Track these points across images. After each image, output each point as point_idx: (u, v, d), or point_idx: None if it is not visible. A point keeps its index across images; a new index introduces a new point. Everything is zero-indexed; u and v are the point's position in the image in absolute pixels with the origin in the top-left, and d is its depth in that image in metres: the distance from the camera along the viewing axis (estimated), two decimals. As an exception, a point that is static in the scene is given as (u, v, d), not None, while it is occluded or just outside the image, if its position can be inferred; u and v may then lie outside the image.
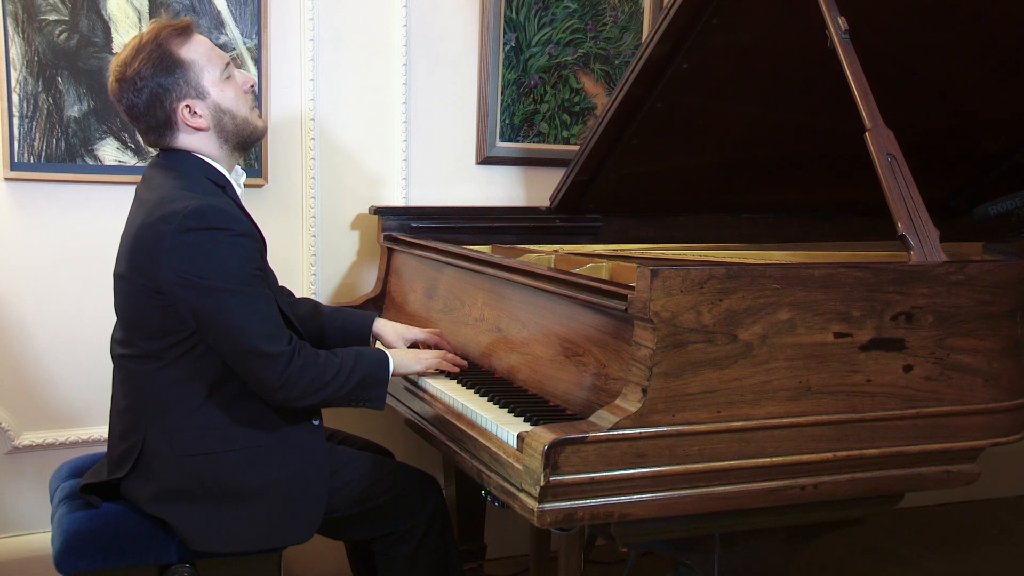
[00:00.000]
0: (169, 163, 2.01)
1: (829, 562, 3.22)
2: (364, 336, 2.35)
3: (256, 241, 1.94)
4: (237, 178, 2.09)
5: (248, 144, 2.08)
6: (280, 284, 2.25)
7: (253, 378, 1.90)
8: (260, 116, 2.11)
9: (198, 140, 2.01)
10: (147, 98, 1.95)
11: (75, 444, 2.69)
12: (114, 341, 2.05)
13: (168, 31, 1.96)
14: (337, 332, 2.34)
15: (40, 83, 2.55)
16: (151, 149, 2.11)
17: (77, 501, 2.04)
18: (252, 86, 2.09)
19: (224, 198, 1.98)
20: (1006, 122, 2.91)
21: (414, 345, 2.32)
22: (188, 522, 1.93)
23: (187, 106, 1.97)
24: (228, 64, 2.03)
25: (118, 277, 1.98)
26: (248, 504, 1.95)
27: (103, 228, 2.60)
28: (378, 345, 2.34)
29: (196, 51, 1.98)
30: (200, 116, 1.98)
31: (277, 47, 2.79)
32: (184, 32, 1.98)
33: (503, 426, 1.76)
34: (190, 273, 1.83)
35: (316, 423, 2.05)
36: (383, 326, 2.37)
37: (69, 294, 2.65)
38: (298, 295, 2.72)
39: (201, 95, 1.97)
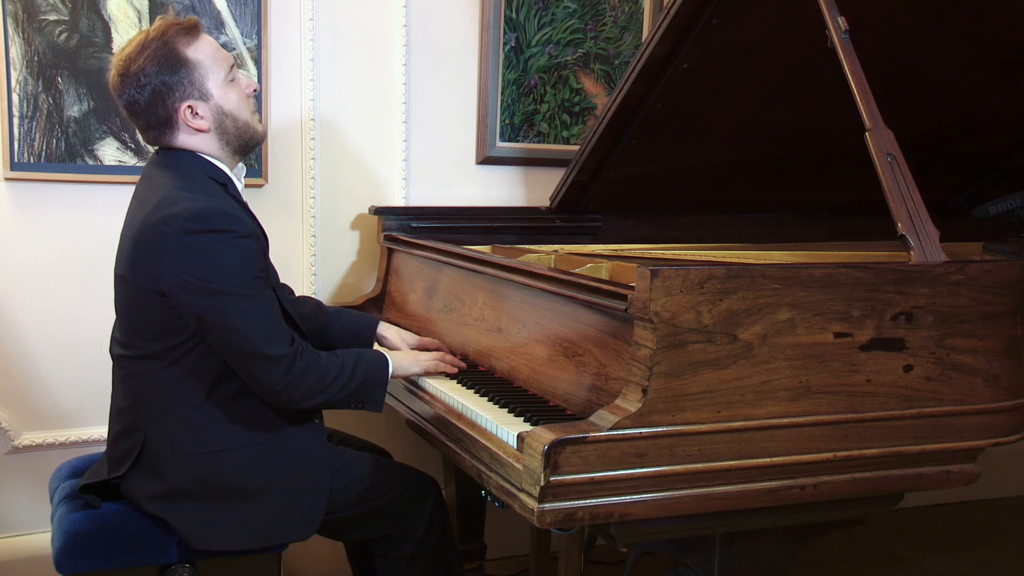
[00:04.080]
0: (169, 161, 2.00)
1: (829, 562, 3.22)
2: (368, 339, 2.35)
3: (258, 241, 1.93)
4: (239, 173, 2.08)
5: (248, 148, 2.07)
6: (282, 282, 2.25)
7: (256, 380, 1.90)
8: (260, 120, 2.10)
9: (198, 141, 2.00)
10: (149, 96, 1.94)
11: (75, 444, 2.69)
12: (114, 340, 2.05)
13: (175, 29, 1.95)
14: (341, 333, 2.34)
15: (40, 83, 2.55)
16: (150, 147, 2.10)
17: (77, 501, 2.04)
18: (255, 90, 2.08)
19: (226, 197, 1.97)
20: (1006, 122, 2.91)
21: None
22: (189, 521, 1.93)
23: (189, 107, 1.96)
24: (233, 67, 2.02)
25: (119, 278, 1.98)
26: (249, 502, 1.95)
27: (103, 228, 2.60)
28: (380, 348, 2.34)
29: (202, 52, 1.96)
30: (202, 118, 1.97)
31: (277, 47, 2.79)
32: (192, 31, 1.97)
33: (503, 426, 1.76)
34: (192, 276, 1.83)
35: (317, 420, 2.06)
36: (387, 330, 2.37)
37: (69, 294, 2.65)
38: (298, 295, 2.73)
39: (204, 97, 1.96)
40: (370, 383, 2.00)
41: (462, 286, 2.37)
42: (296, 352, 1.89)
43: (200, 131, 1.98)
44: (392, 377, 2.06)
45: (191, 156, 2.00)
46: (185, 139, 1.99)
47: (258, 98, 2.75)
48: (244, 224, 1.89)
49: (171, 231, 1.83)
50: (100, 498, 2.01)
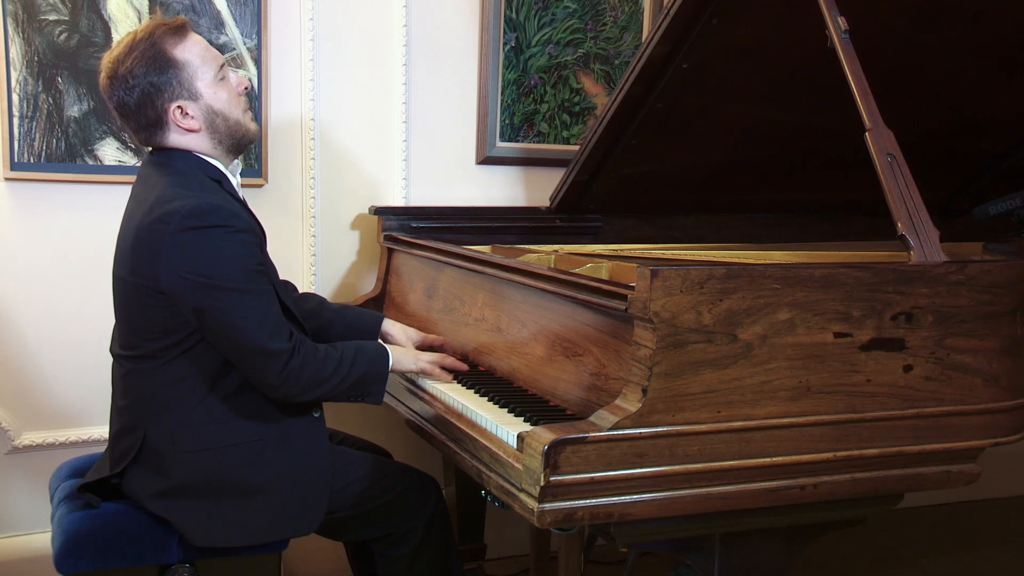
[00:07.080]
0: (163, 160, 2.00)
1: (829, 562, 3.22)
2: (372, 338, 2.35)
3: (256, 236, 1.94)
4: (234, 170, 2.08)
5: (241, 146, 2.07)
6: (283, 279, 2.25)
7: (254, 375, 1.90)
8: (253, 119, 2.09)
9: (190, 140, 1.99)
10: (138, 97, 1.93)
11: (75, 444, 2.69)
12: (114, 339, 2.05)
13: (163, 30, 1.95)
14: (345, 330, 2.34)
15: (40, 83, 2.55)
16: (144, 147, 2.10)
17: (77, 501, 2.04)
18: (246, 88, 2.07)
19: (221, 193, 1.97)
20: (1006, 122, 2.91)
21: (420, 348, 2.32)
22: (190, 518, 1.93)
23: (179, 107, 1.95)
24: (223, 65, 2.02)
25: (118, 279, 1.98)
26: (251, 498, 1.95)
27: (103, 228, 2.60)
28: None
29: (191, 51, 1.96)
30: (192, 117, 1.97)
31: (277, 47, 2.79)
32: (179, 31, 1.96)
33: (503, 426, 1.76)
34: (191, 272, 1.83)
35: (316, 415, 2.06)
36: (391, 327, 2.36)
37: (69, 294, 2.65)
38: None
39: (194, 96, 1.96)
40: (369, 377, 2.01)
41: (462, 286, 2.37)
42: (294, 347, 1.90)
43: (191, 131, 1.98)
44: (391, 371, 2.06)
45: (185, 155, 2.00)
46: (177, 139, 1.99)
47: (258, 98, 2.75)
48: (241, 219, 1.90)
49: (168, 228, 1.83)
50: (101, 498, 2.01)
